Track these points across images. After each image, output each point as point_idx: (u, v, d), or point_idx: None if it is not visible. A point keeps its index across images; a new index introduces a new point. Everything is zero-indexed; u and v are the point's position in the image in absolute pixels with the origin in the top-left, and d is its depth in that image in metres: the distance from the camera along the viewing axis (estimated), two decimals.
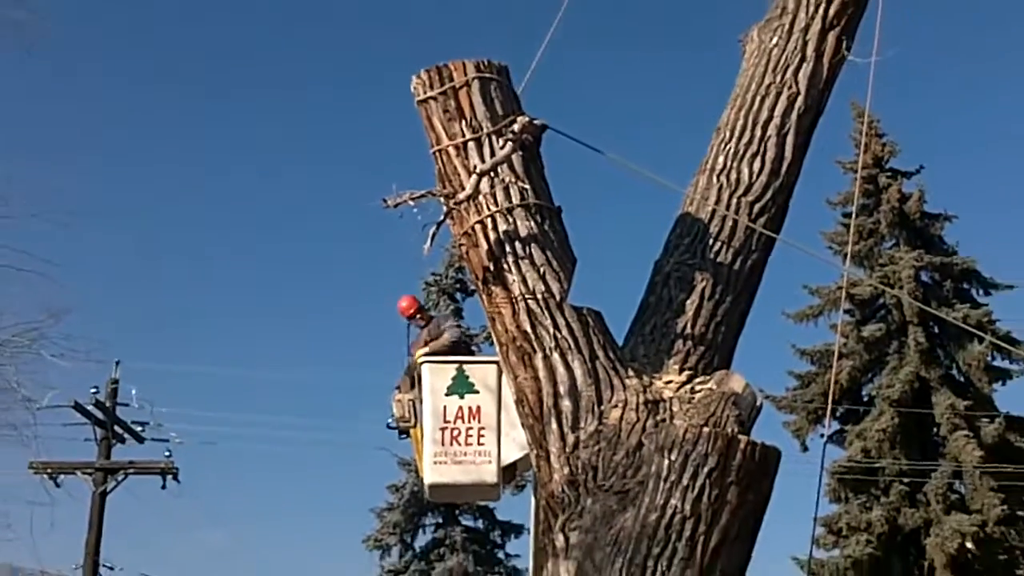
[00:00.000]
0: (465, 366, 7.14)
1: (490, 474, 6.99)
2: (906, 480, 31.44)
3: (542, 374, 5.80)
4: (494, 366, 6.79)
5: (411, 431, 7.91)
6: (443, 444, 6.96)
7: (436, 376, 7.10)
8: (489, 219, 6.01)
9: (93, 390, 26.37)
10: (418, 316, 10.04)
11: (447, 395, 7.03)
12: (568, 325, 5.84)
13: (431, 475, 7.09)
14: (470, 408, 6.98)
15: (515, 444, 6.68)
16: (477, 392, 7.01)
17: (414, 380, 7.83)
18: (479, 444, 6.95)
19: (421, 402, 7.25)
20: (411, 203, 6.06)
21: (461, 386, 7.06)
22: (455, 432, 6.96)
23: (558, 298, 5.88)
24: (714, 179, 6.64)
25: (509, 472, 7.13)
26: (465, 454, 6.95)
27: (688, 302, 6.27)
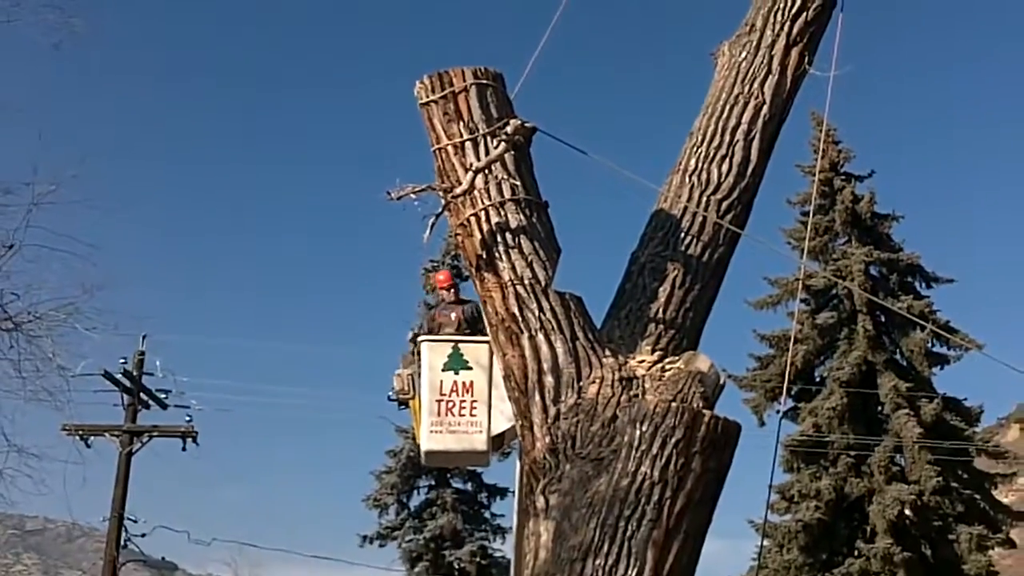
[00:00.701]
0: (460, 345, 7.13)
1: (481, 443, 6.99)
2: (852, 453, 31.53)
3: (528, 352, 5.80)
4: (486, 346, 6.79)
5: (410, 403, 7.89)
6: (439, 415, 6.95)
7: (434, 353, 7.10)
8: (483, 212, 6.01)
9: (122, 360, 26.37)
10: (452, 290, 9.78)
11: (443, 371, 7.02)
12: (552, 308, 5.85)
13: (427, 443, 7.08)
14: (464, 383, 6.97)
15: (503, 416, 6.68)
16: (471, 369, 7.00)
17: (414, 356, 7.82)
18: (471, 415, 6.94)
19: (420, 377, 7.23)
20: (412, 196, 6.06)
21: (456, 363, 7.05)
22: (450, 404, 6.95)
23: (543, 284, 5.88)
24: (686, 179, 6.65)
25: (497, 441, 7.13)
26: (459, 424, 6.94)
27: (660, 290, 6.28)
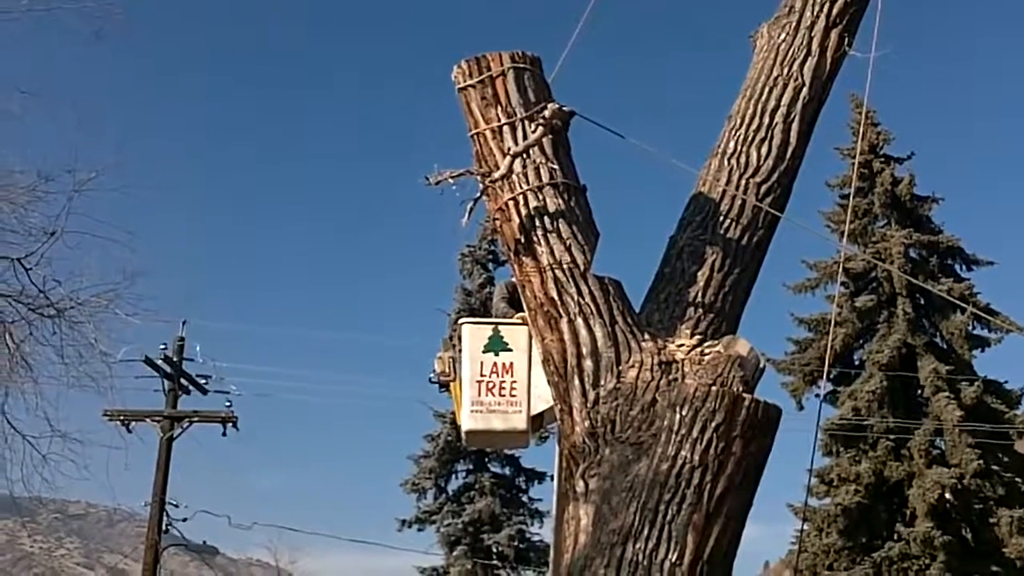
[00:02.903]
0: (500, 327, 7.19)
1: (520, 422, 7.05)
2: (892, 436, 31.38)
3: (567, 336, 5.81)
4: (525, 327, 6.82)
5: (450, 385, 7.95)
6: (479, 395, 7.02)
7: (474, 336, 7.15)
8: (521, 196, 6.01)
9: (162, 346, 26.53)
10: None
11: (484, 352, 7.08)
12: (591, 293, 5.85)
13: (468, 423, 7.15)
14: (504, 364, 7.02)
15: (542, 398, 6.71)
16: (510, 350, 7.05)
17: (453, 339, 7.87)
18: (511, 396, 7.00)
19: (460, 359, 7.29)
20: (450, 181, 6.06)
21: (496, 345, 7.11)
22: (490, 385, 7.02)
23: (582, 268, 5.88)
24: (725, 162, 6.62)
25: (536, 422, 7.18)
26: (498, 404, 7.01)
27: (699, 273, 6.26)
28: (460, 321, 7.46)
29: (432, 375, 8.02)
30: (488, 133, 6.14)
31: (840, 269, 33.02)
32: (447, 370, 7.78)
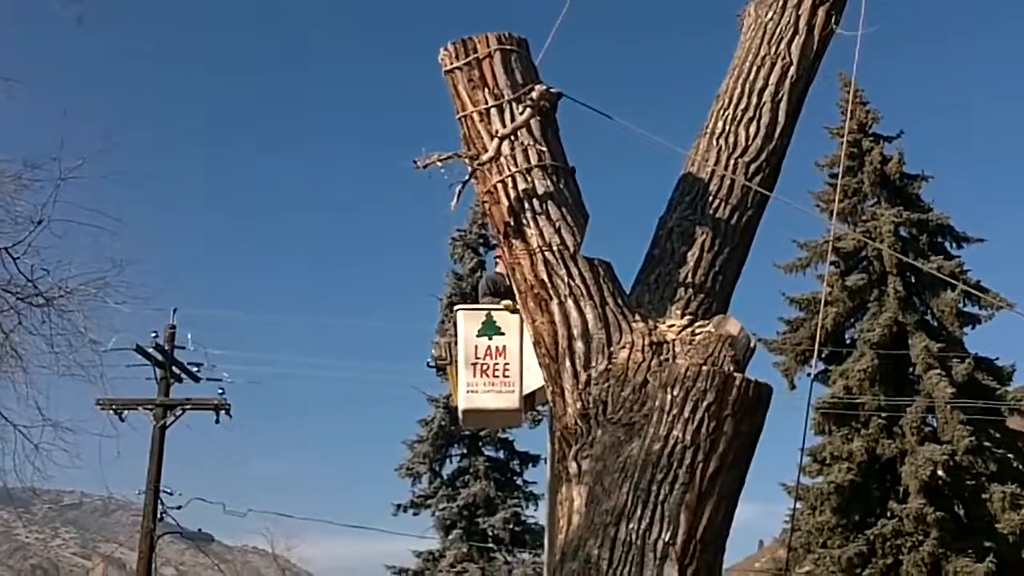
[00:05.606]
0: (493, 312, 7.53)
1: (513, 401, 7.41)
2: (884, 414, 31.45)
3: (557, 318, 5.80)
4: (517, 312, 6.97)
5: (447, 368, 8.21)
6: (475, 376, 7.44)
7: (469, 321, 7.52)
8: (510, 179, 6.00)
9: (153, 334, 26.47)
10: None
11: (478, 336, 7.45)
12: (581, 274, 5.84)
13: (464, 402, 7.47)
14: (497, 347, 7.43)
15: (534, 378, 6.87)
16: (503, 334, 7.41)
17: (447, 325, 8.09)
18: (504, 376, 7.39)
19: (456, 343, 7.58)
20: (439, 164, 6.05)
21: (490, 329, 7.45)
22: (484, 367, 7.41)
23: (572, 250, 5.87)
24: (714, 142, 6.61)
25: (529, 401, 7.47)
26: (492, 384, 7.41)
27: (689, 254, 6.26)
28: (455, 308, 7.70)
29: (430, 360, 8.29)
30: (475, 115, 6.13)
31: (830, 248, 33.05)
32: (443, 355, 8.02)
